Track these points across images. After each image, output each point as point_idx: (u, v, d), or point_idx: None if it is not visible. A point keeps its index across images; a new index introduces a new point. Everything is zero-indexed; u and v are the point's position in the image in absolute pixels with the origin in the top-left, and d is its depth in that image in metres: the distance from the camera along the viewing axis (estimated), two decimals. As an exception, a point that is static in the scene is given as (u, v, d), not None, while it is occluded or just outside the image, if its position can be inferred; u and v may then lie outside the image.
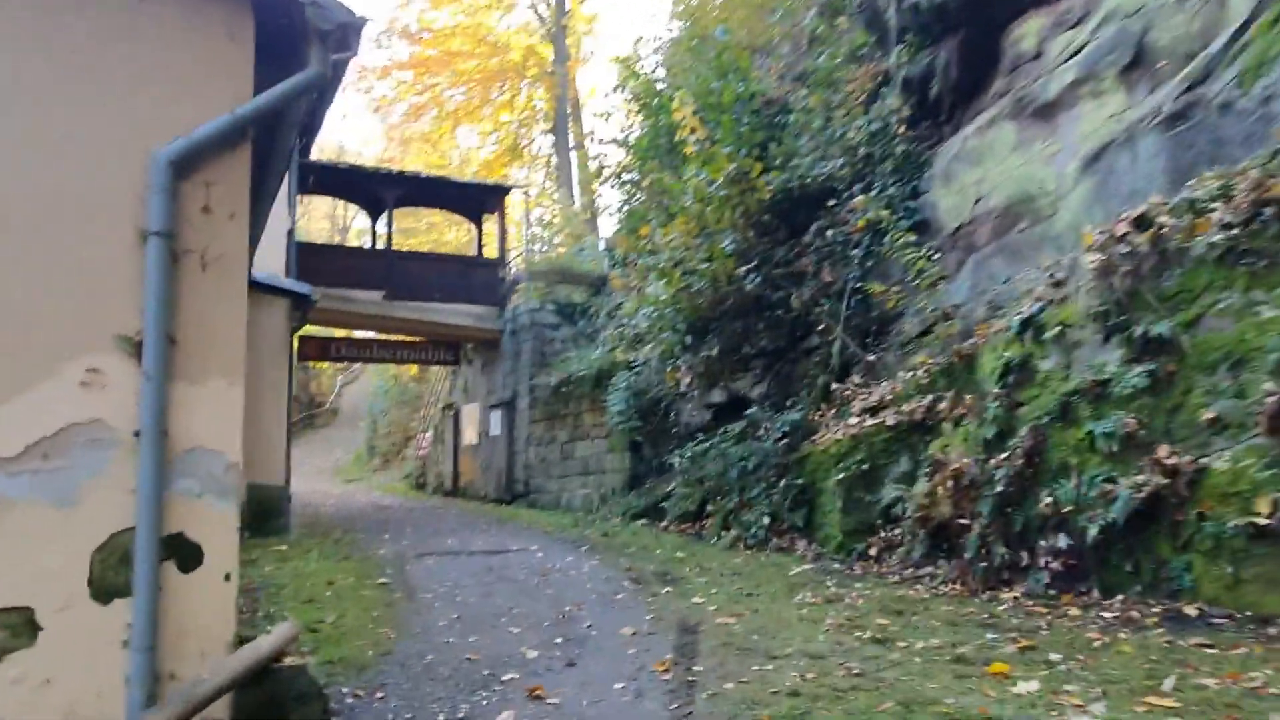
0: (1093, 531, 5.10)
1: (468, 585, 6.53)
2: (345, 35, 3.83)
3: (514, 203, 22.26)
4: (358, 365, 30.79)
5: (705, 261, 9.11)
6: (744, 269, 9.15)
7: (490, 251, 17.42)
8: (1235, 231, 4.90)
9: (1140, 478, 4.95)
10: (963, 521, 6.07)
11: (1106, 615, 4.74)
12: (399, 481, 22.95)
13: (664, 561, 7.56)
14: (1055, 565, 5.36)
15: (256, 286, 9.26)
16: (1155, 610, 4.69)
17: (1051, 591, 5.31)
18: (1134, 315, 5.32)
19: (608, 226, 21.61)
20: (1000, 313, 6.86)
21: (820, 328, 8.94)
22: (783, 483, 8.26)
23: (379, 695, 3.87)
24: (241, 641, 3.37)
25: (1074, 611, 4.90)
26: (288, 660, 3.42)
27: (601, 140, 18.56)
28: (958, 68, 8.61)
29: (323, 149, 27.45)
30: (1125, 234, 5.36)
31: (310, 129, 11.29)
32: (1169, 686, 3.38)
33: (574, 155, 25.87)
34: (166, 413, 3.19)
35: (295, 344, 14.13)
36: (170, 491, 3.19)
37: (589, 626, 5.14)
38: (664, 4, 33.51)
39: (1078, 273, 5.84)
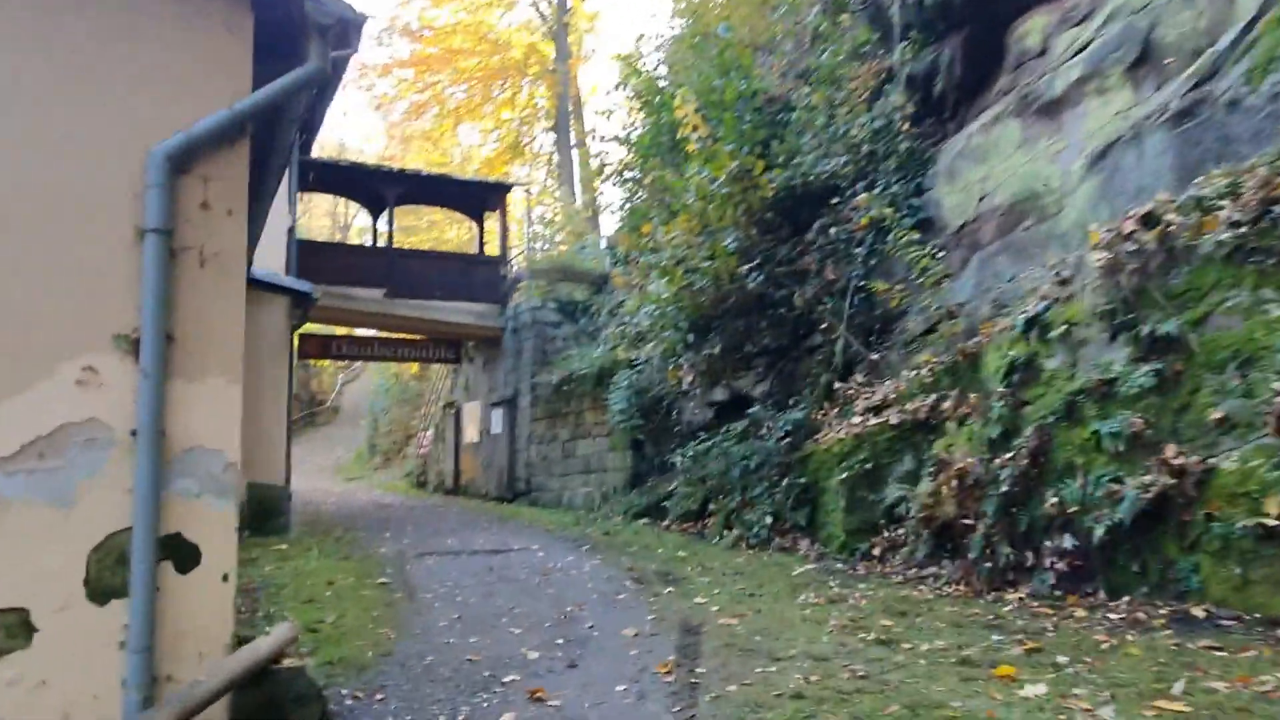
0: (1099, 532, 5.06)
1: (468, 585, 6.49)
2: (345, 31, 3.80)
3: (515, 201, 22.23)
4: (359, 363, 30.77)
5: (707, 259, 9.06)
6: (746, 267, 9.11)
7: (492, 249, 17.38)
8: (1244, 229, 4.85)
9: (1147, 478, 4.90)
10: (967, 521, 6.03)
11: (1113, 617, 4.70)
12: (400, 480, 22.93)
13: (666, 561, 7.53)
14: (1061, 566, 5.32)
15: (257, 284, 9.23)
16: (1162, 612, 4.64)
17: (1057, 592, 5.27)
18: (1141, 314, 5.27)
19: (609, 224, 21.57)
20: (1005, 311, 6.81)
21: (823, 326, 8.89)
22: (785, 482, 8.22)
23: (378, 697, 3.83)
24: (240, 642, 3.34)
25: (1080, 613, 4.86)
26: (286, 661, 3.39)
27: (603, 138, 18.50)
28: (962, 65, 8.55)
29: (324, 147, 27.40)
30: (1132, 232, 5.31)
31: (311, 126, 11.26)
32: (1179, 690, 3.34)
33: (575, 153, 25.83)
34: (164, 411, 3.15)
35: (296, 342, 14.11)
36: (168, 491, 3.16)
37: (590, 627, 5.11)
38: (666, 2, 33.45)
39: (1084, 271, 5.79)
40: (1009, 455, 5.80)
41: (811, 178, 9.40)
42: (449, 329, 16.51)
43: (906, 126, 8.83)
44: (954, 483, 6.15)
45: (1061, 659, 3.89)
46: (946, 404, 6.76)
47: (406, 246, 22.11)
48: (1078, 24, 7.37)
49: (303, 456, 25.31)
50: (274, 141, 4.51)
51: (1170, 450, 4.87)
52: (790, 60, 11.45)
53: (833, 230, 9.05)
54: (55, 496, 3.02)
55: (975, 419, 6.40)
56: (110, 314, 3.15)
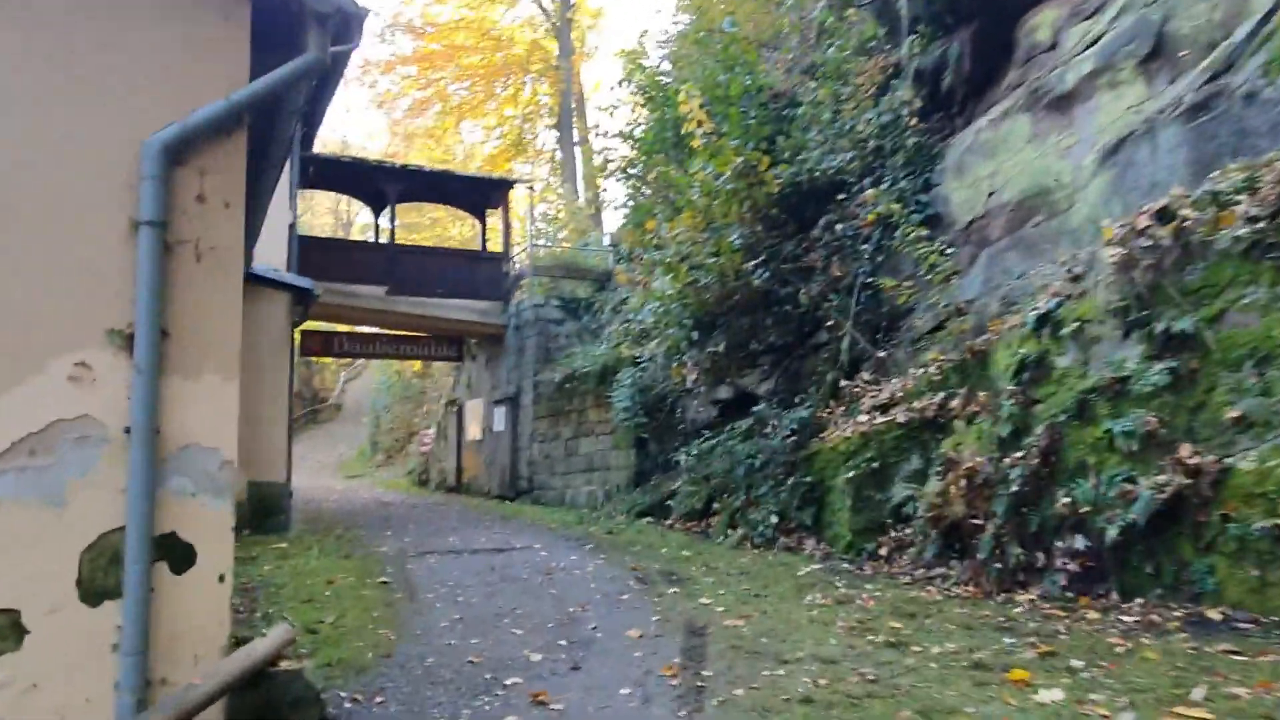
0: (1112, 532, 4.97)
1: (470, 584, 6.42)
2: (345, 22, 3.73)
3: (518, 198, 22.13)
4: (361, 361, 30.74)
5: (712, 256, 8.97)
6: (751, 264, 9.02)
7: (494, 246, 17.30)
8: (1261, 224, 4.75)
9: (1161, 478, 4.82)
10: (976, 521, 5.94)
11: (1127, 619, 4.61)
12: (402, 478, 22.88)
13: (670, 560, 7.45)
14: (1072, 567, 5.23)
15: (257, 280, 9.16)
16: (1177, 614, 4.56)
17: (1068, 594, 5.18)
18: (1155, 310, 5.18)
19: (612, 221, 21.48)
20: (1014, 308, 6.72)
21: (829, 323, 8.80)
22: (790, 481, 8.14)
23: (378, 700, 3.76)
24: (237, 644, 3.27)
25: (1093, 615, 4.77)
26: (284, 664, 3.31)
27: (607, 134, 18.43)
28: (970, 59, 8.45)
29: (326, 144, 27.30)
30: (1147, 227, 5.21)
31: (311, 121, 11.19)
32: (1199, 696, 3.25)
33: (578, 150, 25.75)
34: (159, 408, 3.08)
35: (297, 339, 14.05)
36: (162, 490, 3.09)
37: (594, 628, 5.03)
38: (669, -1, 33.31)
39: (1096, 267, 5.70)
40: (1019, 454, 5.71)
41: (817, 173, 9.30)
42: (451, 326, 16.44)
43: (914, 122, 8.72)
44: (963, 482, 6.06)
45: (1076, 663, 3.81)
46: (955, 402, 6.66)
47: (408, 243, 22.03)
48: (1089, 17, 7.27)
49: (304, 454, 25.30)
50: (273, 133, 4.43)
51: (1185, 450, 4.78)
52: (796, 56, 11.36)
53: (839, 226, 8.96)
54: (47, 495, 2.95)
55: (984, 417, 6.31)
56: (104, 308, 3.07)
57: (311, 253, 13.87)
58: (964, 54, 8.52)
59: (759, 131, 9.66)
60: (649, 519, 10.53)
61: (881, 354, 8.18)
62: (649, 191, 11.56)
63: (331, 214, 37.54)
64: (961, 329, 7.08)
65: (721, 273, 8.99)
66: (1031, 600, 5.22)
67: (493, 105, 27.31)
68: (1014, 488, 5.62)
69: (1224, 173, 5.21)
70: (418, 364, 24.65)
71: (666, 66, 13.27)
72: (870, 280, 8.45)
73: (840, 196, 9.11)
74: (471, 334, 17.11)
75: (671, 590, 6.09)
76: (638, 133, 12.29)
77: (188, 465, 3.15)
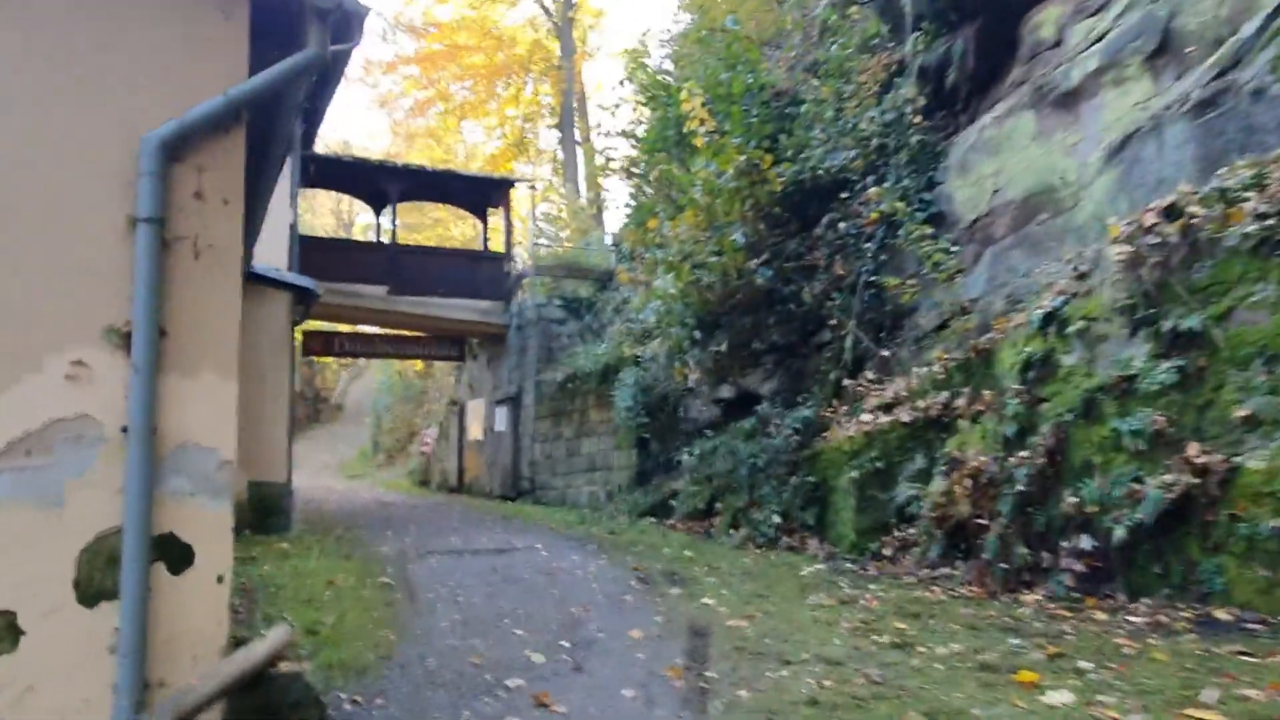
0: (1119, 532, 4.92)
1: (471, 585, 6.38)
2: (346, 19, 3.70)
3: (520, 197, 22.11)
4: (363, 361, 30.72)
5: (715, 255, 8.93)
6: (754, 262, 8.97)
7: (496, 246, 17.26)
8: (1270, 221, 4.71)
9: (1169, 477, 4.77)
10: (981, 521, 5.90)
11: (1134, 619, 4.57)
12: (403, 478, 22.85)
13: (672, 561, 7.41)
14: (1079, 567, 5.19)
15: (258, 279, 9.12)
16: (1185, 615, 4.52)
17: (1075, 594, 5.13)
18: (1163, 308, 5.13)
19: (614, 221, 21.45)
20: (1019, 307, 6.68)
21: (832, 322, 8.76)
22: (793, 480, 8.10)
23: (378, 702, 3.72)
24: (236, 645, 3.23)
25: (1100, 615, 4.73)
26: (283, 665, 3.27)
27: (609, 133, 18.40)
28: (975, 56, 8.40)
29: (327, 145, 27.32)
30: (1154, 224, 5.16)
31: (313, 120, 11.16)
32: (1210, 698, 3.20)
33: (580, 150, 25.72)
34: (156, 407, 3.05)
35: (299, 339, 14.02)
36: (160, 490, 3.05)
37: (596, 629, 4.99)
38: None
39: (1103, 265, 5.65)
40: (1025, 454, 5.67)
41: (820, 172, 9.26)
42: (453, 326, 16.40)
43: (917, 119, 8.68)
44: (968, 481, 6.02)
45: (1085, 664, 3.76)
46: (959, 401, 6.62)
47: (410, 243, 22.00)
48: (1093, 14, 7.22)
49: (306, 454, 25.28)
50: (273, 131, 4.39)
51: (1193, 449, 4.74)
52: (798, 53, 11.31)
53: (842, 225, 8.91)
54: (43, 495, 2.92)
55: (989, 416, 6.26)
56: (101, 306, 3.04)
57: (313, 252, 13.83)
58: (968, 51, 8.48)
59: (761, 130, 9.62)
60: (651, 519, 10.49)
61: (885, 353, 8.14)
62: (651, 191, 11.52)
63: (333, 214, 37.54)
64: (966, 327, 7.04)
65: (724, 271, 8.95)
66: (1037, 601, 5.18)
67: (494, 105, 27.29)
68: (1019, 487, 5.58)
69: (1232, 169, 5.16)
70: (419, 364, 24.63)
71: (668, 66, 13.24)
72: (873, 279, 8.41)
73: (843, 195, 9.07)
74: (473, 334, 17.07)
75: (674, 591, 6.05)
76: (640, 132, 12.25)
77: (186, 465, 3.11)
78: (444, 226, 30.47)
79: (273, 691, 3.18)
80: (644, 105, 12.40)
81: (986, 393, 6.40)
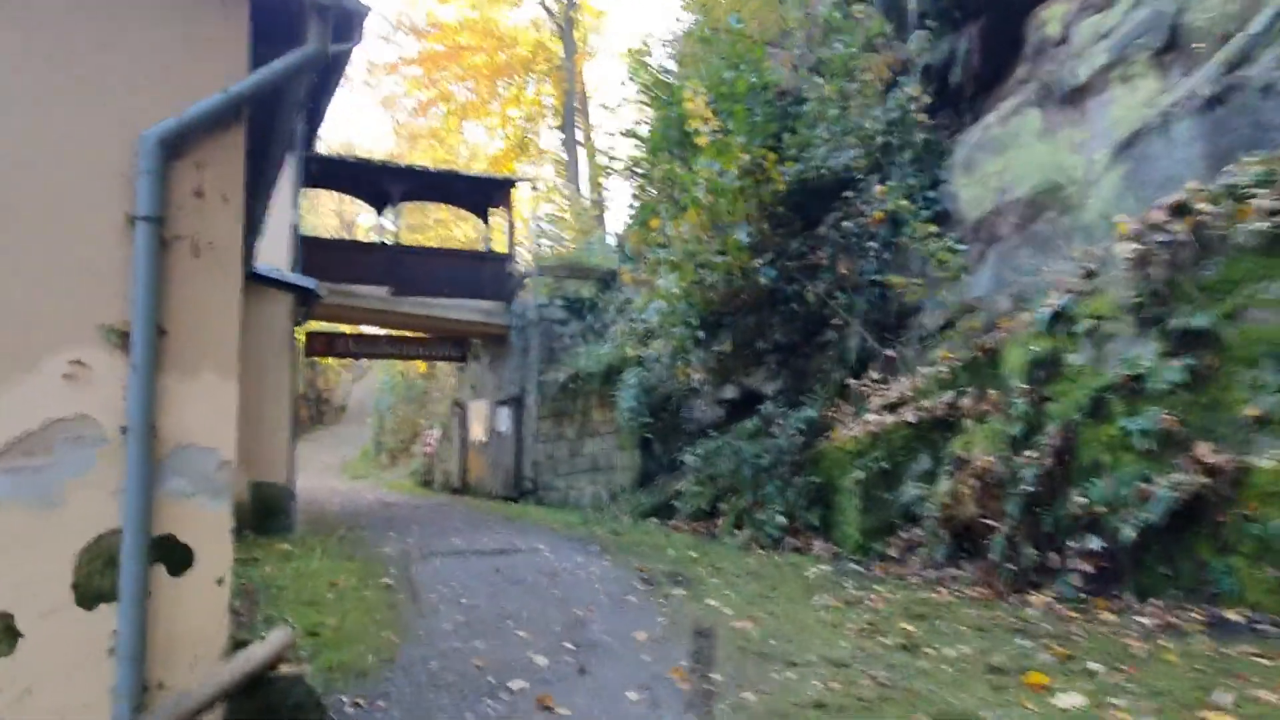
0: (1128, 533, 4.87)
1: (474, 587, 6.34)
2: (347, 18, 3.68)
3: (522, 198, 22.11)
4: (365, 362, 30.71)
5: (718, 254, 8.88)
6: (758, 261, 8.92)
7: (498, 246, 17.22)
8: (1280, 218, 4.66)
9: (1179, 477, 4.72)
10: (988, 522, 5.84)
11: (1144, 621, 4.52)
12: (406, 479, 22.83)
13: (676, 562, 7.36)
14: (1087, 568, 5.13)
15: (260, 280, 9.10)
16: (1196, 616, 4.46)
17: (1083, 595, 5.08)
18: (1171, 307, 5.08)
19: (616, 221, 21.43)
20: (1026, 305, 6.62)
21: (836, 322, 8.71)
22: (798, 481, 8.05)
23: (380, 704, 3.68)
24: (237, 647, 3.20)
25: (1109, 617, 4.68)
26: (284, 668, 3.23)
27: (611, 133, 18.35)
28: (979, 54, 8.35)
29: (330, 146, 27.36)
30: (1162, 222, 5.11)
31: (314, 121, 11.13)
32: (1224, 700, 3.16)
33: (582, 150, 25.71)
34: (155, 407, 3.02)
35: (301, 339, 14.00)
36: (159, 491, 3.02)
37: (600, 631, 4.95)
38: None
39: (1111, 263, 5.60)
40: (1032, 454, 5.62)
41: (824, 171, 9.21)
42: (455, 327, 16.37)
43: (922, 118, 8.62)
44: (974, 482, 5.97)
45: (1095, 666, 3.72)
46: (965, 401, 6.57)
47: (412, 243, 21.99)
48: (1100, 11, 7.16)
49: (309, 455, 25.26)
50: (274, 128, 4.37)
51: (1203, 448, 4.69)
52: (802, 53, 11.26)
53: (846, 224, 8.86)
54: (41, 496, 2.89)
55: (996, 416, 6.21)
56: (99, 305, 3.01)
57: (315, 253, 13.82)
58: (972, 49, 8.43)
59: (765, 129, 9.57)
60: (654, 520, 10.44)
61: (889, 353, 8.09)
62: (654, 190, 11.48)
63: (335, 215, 37.54)
64: (971, 326, 6.99)
65: (727, 271, 8.90)
66: (1045, 602, 5.12)
67: (496, 106, 27.28)
68: (1027, 487, 5.53)
69: (1242, 166, 5.11)
70: (422, 365, 24.60)
71: (671, 66, 13.19)
72: (878, 278, 8.36)
73: (847, 194, 9.02)
74: (475, 334, 17.05)
75: (678, 592, 6.01)
76: (642, 131, 12.21)
77: (185, 465, 3.08)
78: (446, 227, 30.46)
79: (273, 694, 3.15)
80: (647, 105, 12.36)
81: (993, 392, 6.35)
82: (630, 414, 11.66)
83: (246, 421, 8.13)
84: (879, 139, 8.91)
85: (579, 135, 25.91)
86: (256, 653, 3.09)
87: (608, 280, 15.63)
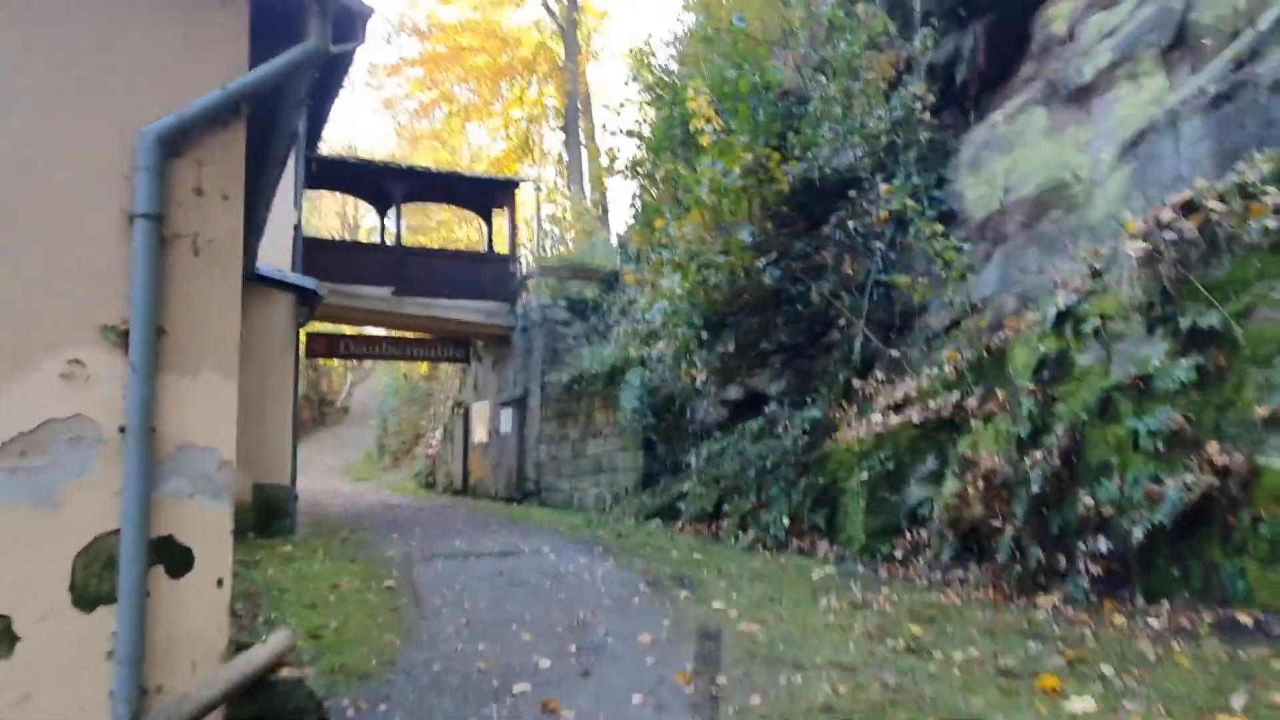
0: (1137, 534, 4.81)
1: (477, 589, 6.30)
2: (350, 18, 3.65)
3: (525, 199, 22.05)
4: (368, 363, 30.71)
5: (722, 254, 8.84)
6: (762, 262, 8.88)
7: (501, 247, 17.19)
8: (1292, 216, 4.60)
9: (1189, 478, 4.66)
10: (995, 523, 5.79)
11: (1155, 623, 4.46)
12: (408, 480, 22.80)
13: (680, 564, 7.32)
14: (1096, 570, 5.08)
15: (261, 280, 9.07)
16: (1207, 618, 4.40)
17: (1092, 598, 5.02)
18: (1181, 305, 5.02)
19: (619, 222, 21.39)
20: (1032, 305, 6.57)
21: (841, 322, 8.66)
22: (802, 482, 8.00)
23: (382, 708, 3.64)
24: (237, 650, 3.16)
25: (1118, 619, 4.62)
26: (284, 671, 3.20)
27: (614, 133, 18.31)
28: (985, 53, 8.30)
29: (332, 148, 27.33)
30: (1171, 220, 5.06)
31: (317, 122, 11.13)
32: (1239, 705, 3.11)
33: (584, 151, 25.68)
34: (154, 407, 2.99)
35: (303, 340, 13.96)
36: (158, 491, 2.99)
37: (604, 634, 4.90)
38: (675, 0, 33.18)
39: (1118, 262, 5.54)
40: (1039, 454, 5.56)
41: (829, 170, 9.16)
42: (458, 327, 16.34)
43: (927, 117, 8.57)
44: (981, 483, 5.91)
45: (1107, 670, 3.67)
46: (971, 401, 6.52)
47: (414, 244, 21.98)
48: (1106, 8, 7.11)
49: (311, 457, 25.24)
50: (275, 126, 4.33)
51: (1214, 449, 4.63)
52: (805, 52, 11.22)
53: (851, 224, 8.81)
54: (39, 497, 2.86)
55: (1002, 417, 6.16)
56: (97, 304, 2.98)
57: (317, 254, 13.79)
58: (978, 47, 8.38)
59: (769, 128, 9.53)
60: (658, 521, 10.40)
61: (894, 353, 8.04)
62: (658, 190, 11.44)
63: (338, 217, 37.57)
64: (978, 326, 6.93)
65: (731, 271, 8.86)
66: (1054, 604, 5.07)
67: (498, 107, 27.26)
68: (1034, 489, 5.47)
69: (1252, 163, 5.06)
70: (424, 366, 24.58)
71: (674, 66, 13.15)
72: (882, 278, 8.31)
73: (852, 193, 8.97)
74: (478, 335, 17.02)
75: (683, 594, 5.97)
76: (645, 131, 12.17)
77: (185, 466, 3.05)
78: (448, 229, 30.45)
79: (273, 698, 3.11)
80: (649, 105, 12.32)
81: (999, 392, 6.30)
82: (634, 415, 11.62)
83: (248, 422, 8.10)
84: (884, 138, 8.87)
85: (581, 136, 25.89)
86: (257, 656, 3.05)
87: (611, 281, 15.60)
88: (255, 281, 8.80)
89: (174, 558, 3.01)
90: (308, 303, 10.26)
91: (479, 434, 18.00)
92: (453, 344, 17.55)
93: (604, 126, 18.63)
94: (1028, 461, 5.64)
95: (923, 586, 5.97)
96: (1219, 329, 4.78)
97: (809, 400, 8.72)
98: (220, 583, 3.08)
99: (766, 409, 9.15)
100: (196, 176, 3.19)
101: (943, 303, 7.56)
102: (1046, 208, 7.04)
